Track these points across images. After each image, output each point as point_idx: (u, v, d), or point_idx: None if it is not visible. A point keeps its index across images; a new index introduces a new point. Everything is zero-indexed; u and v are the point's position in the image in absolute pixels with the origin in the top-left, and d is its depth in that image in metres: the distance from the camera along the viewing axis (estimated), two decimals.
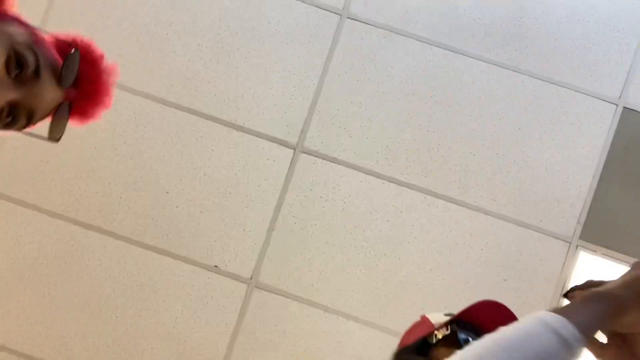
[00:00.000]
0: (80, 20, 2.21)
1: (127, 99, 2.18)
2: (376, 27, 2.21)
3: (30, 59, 0.66)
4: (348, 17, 2.21)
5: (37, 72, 0.68)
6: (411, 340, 1.09)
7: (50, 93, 0.71)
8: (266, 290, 2.16)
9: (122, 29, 2.21)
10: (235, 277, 2.16)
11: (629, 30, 2.19)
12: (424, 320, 1.16)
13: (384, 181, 2.17)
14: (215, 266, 2.17)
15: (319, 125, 2.19)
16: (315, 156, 2.18)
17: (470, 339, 1.00)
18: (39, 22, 2.21)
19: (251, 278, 2.16)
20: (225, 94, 2.20)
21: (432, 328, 1.08)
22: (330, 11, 2.21)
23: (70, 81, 0.74)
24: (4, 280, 2.18)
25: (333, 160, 2.18)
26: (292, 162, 2.17)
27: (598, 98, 2.17)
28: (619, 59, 2.19)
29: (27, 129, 0.75)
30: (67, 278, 2.16)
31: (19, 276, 2.18)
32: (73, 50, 0.73)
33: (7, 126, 0.69)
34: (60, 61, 0.73)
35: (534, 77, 2.18)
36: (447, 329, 1.05)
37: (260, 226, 2.16)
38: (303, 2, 2.21)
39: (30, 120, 0.71)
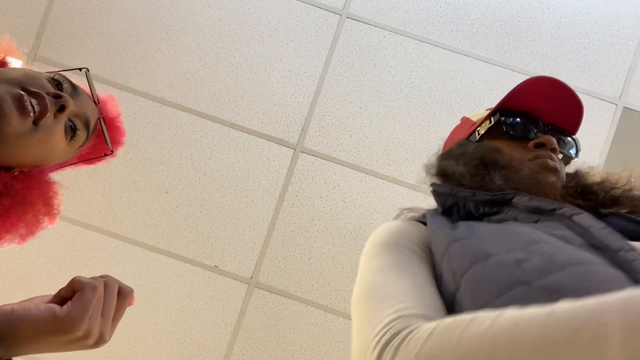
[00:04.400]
0: (80, 20, 2.21)
1: (127, 99, 2.18)
2: (376, 27, 2.21)
3: (65, 79, 0.80)
4: (348, 17, 2.21)
5: (74, 87, 0.80)
6: (450, 145, 0.95)
7: (90, 104, 0.83)
8: (266, 290, 2.16)
9: (122, 29, 2.21)
10: (235, 277, 2.16)
11: (628, 30, 2.19)
12: (464, 121, 1.02)
13: (384, 181, 2.17)
14: (215, 266, 2.16)
15: (319, 125, 2.19)
16: (315, 156, 2.18)
17: (517, 121, 0.87)
18: (39, 22, 2.21)
19: (251, 278, 2.16)
20: (225, 94, 2.20)
21: (474, 126, 0.95)
22: (330, 11, 2.21)
23: (96, 97, 0.87)
24: (4, 280, 2.18)
25: (333, 159, 2.18)
26: (292, 162, 2.17)
27: (598, 98, 2.17)
28: (619, 59, 2.19)
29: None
30: (67, 278, 2.16)
31: (19, 276, 2.18)
32: (84, 69, 0.87)
33: (73, 139, 0.79)
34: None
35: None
36: (490, 121, 0.92)
37: (260, 226, 2.16)
38: (303, 2, 2.21)
39: (88, 128, 0.81)
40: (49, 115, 0.70)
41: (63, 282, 2.18)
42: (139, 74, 2.20)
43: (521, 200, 0.72)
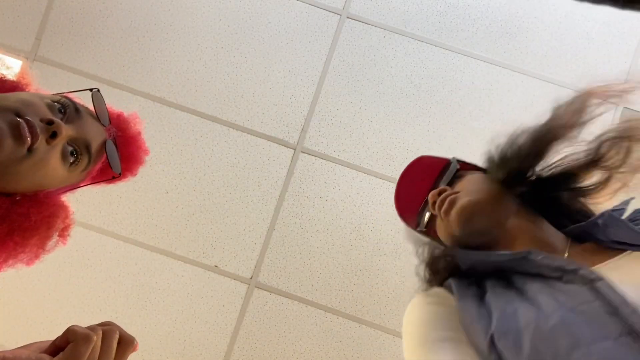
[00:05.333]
0: (80, 20, 2.22)
1: (127, 99, 2.18)
2: (376, 27, 2.21)
3: (67, 101, 0.78)
4: (348, 17, 2.21)
5: (77, 110, 0.79)
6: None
7: (94, 126, 0.81)
8: (266, 290, 2.16)
9: (122, 29, 2.21)
10: (235, 277, 2.16)
11: (628, 30, 2.19)
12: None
13: (384, 181, 2.17)
14: (215, 266, 2.17)
15: (319, 125, 2.19)
16: (315, 156, 2.18)
17: (424, 215, 1.02)
18: (39, 22, 2.21)
19: (251, 278, 2.16)
20: (225, 94, 2.20)
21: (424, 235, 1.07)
22: (330, 11, 2.21)
23: (106, 118, 0.85)
24: (3, 280, 2.18)
25: (333, 159, 2.18)
26: (292, 162, 2.17)
27: None
28: (619, 59, 2.19)
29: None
30: (67, 278, 2.16)
31: (18, 276, 2.18)
32: (94, 89, 0.85)
33: (73, 164, 0.77)
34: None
35: (534, 77, 2.18)
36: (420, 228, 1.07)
37: (260, 226, 2.16)
38: (303, 2, 2.21)
39: (89, 152, 0.79)
40: (40, 142, 0.69)
41: (62, 283, 2.18)
42: (139, 74, 2.20)
43: (538, 258, 0.76)
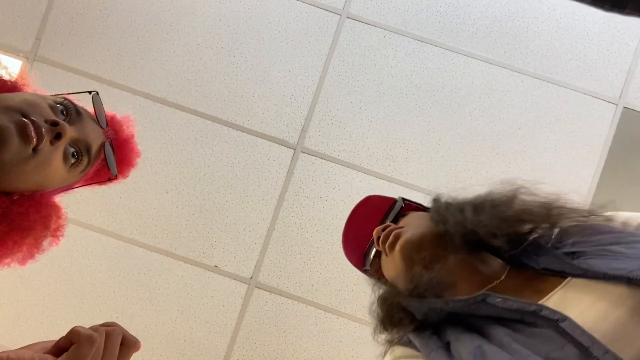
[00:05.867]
0: (80, 20, 2.22)
1: (127, 99, 2.18)
2: (376, 27, 2.21)
3: (68, 103, 0.80)
4: (348, 17, 2.21)
5: (78, 112, 0.80)
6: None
7: (94, 128, 0.83)
8: (266, 290, 2.16)
9: (122, 29, 2.21)
10: (235, 277, 2.16)
11: (628, 30, 2.19)
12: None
13: (384, 181, 2.17)
14: (215, 266, 2.17)
15: (318, 125, 2.19)
16: (315, 156, 2.18)
17: (370, 255, 1.05)
18: (39, 22, 2.21)
19: (251, 278, 2.16)
20: (225, 94, 2.20)
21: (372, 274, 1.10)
22: (330, 11, 2.21)
23: (104, 120, 0.86)
24: (4, 280, 2.18)
25: (333, 159, 2.18)
26: (292, 162, 2.17)
27: (598, 98, 2.17)
28: (619, 59, 2.19)
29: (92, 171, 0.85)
30: (67, 278, 2.16)
31: (18, 277, 2.18)
32: (93, 92, 0.86)
33: (74, 165, 0.78)
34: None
35: (534, 77, 2.18)
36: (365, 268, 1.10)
37: (260, 226, 2.16)
38: (303, 2, 2.21)
39: (89, 153, 0.80)
40: (45, 142, 0.70)
41: (62, 283, 2.18)
42: (139, 74, 2.20)
43: (496, 301, 0.71)
